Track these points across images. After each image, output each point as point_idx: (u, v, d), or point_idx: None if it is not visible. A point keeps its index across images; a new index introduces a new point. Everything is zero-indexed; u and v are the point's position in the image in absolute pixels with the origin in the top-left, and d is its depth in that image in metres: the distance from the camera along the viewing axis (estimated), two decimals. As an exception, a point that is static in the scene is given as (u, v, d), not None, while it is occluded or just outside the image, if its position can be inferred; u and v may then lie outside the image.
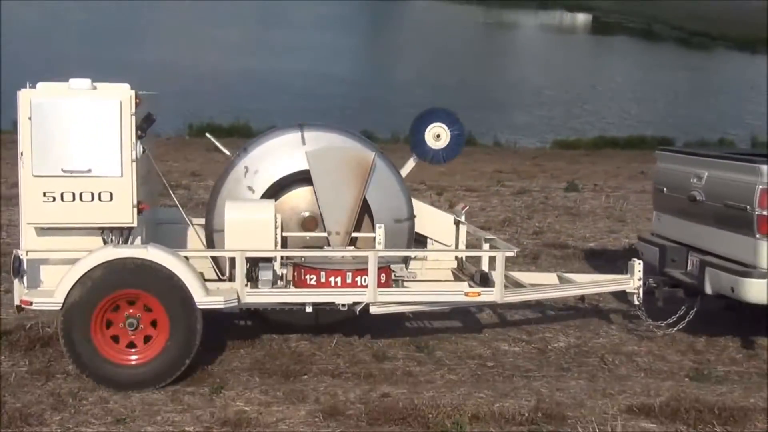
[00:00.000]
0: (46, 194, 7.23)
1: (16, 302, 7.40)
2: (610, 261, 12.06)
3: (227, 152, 8.80)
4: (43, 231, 7.41)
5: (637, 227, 14.65)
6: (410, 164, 9.21)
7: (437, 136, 9.08)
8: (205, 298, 7.29)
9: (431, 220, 9.13)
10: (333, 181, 8.32)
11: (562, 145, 29.08)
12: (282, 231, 8.18)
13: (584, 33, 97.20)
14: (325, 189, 8.31)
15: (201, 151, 22.51)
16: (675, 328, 9.07)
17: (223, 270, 8.27)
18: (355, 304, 7.87)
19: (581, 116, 38.86)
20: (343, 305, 7.88)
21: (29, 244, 7.41)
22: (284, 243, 8.29)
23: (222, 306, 7.38)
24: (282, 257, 7.98)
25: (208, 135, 9.40)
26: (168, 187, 8.54)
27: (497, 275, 8.00)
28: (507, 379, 7.91)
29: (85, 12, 71.51)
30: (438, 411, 6.91)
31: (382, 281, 7.91)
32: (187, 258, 7.58)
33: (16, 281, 7.38)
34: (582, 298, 9.63)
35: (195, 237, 8.57)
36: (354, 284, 7.82)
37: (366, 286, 7.76)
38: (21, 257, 7.34)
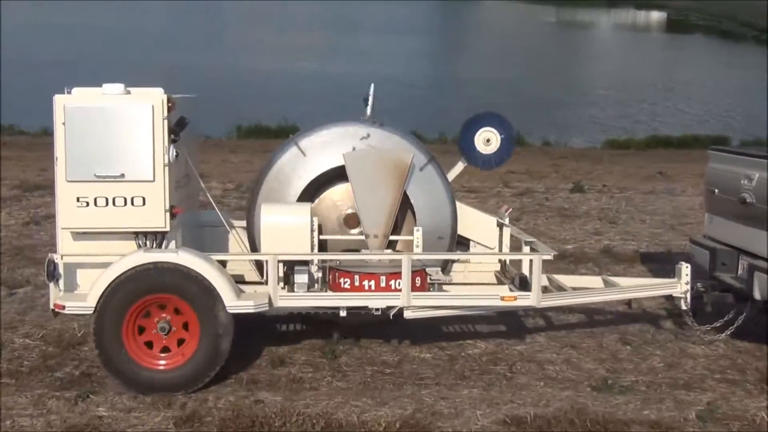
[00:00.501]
0: (80, 199, 7.29)
1: (51, 306, 7.47)
2: (580, 262, 12.01)
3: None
4: (78, 235, 7.47)
5: (626, 229, 14.48)
6: (458, 168, 9.13)
7: (487, 140, 8.99)
8: (236, 302, 7.28)
9: (474, 222, 9.01)
10: (370, 183, 8.25)
11: (614, 145, 28.46)
12: (319, 234, 8.15)
13: (659, 31, 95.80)
14: (363, 191, 8.25)
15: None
16: (724, 334, 8.80)
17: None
18: (389, 308, 7.80)
19: (635, 115, 38.01)
20: (377, 309, 7.82)
21: (65, 249, 7.47)
22: (322, 246, 8.25)
23: (252, 310, 7.35)
24: (317, 261, 7.94)
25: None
26: (205, 190, 8.55)
27: (534, 279, 7.87)
28: (397, 386, 7.71)
29: (140, 14, 72.76)
30: (289, 419, 6.80)
31: (417, 285, 7.81)
32: (220, 262, 7.57)
33: (51, 285, 7.46)
34: (629, 302, 9.36)
35: (239, 239, 8.58)
36: (388, 288, 7.75)
37: (400, 290, 7.69)
38: (56, 261, 7.42)
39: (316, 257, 7.92)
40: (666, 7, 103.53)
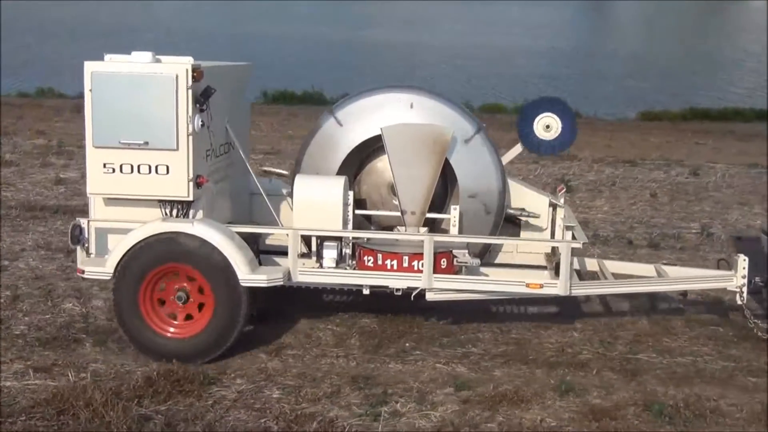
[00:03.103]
0: (106, 165, 7.37)
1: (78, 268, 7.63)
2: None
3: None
4: (109, 201, 7.58)
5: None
6: (515, 150, 8.88)
7: (547, 126, 8.71)
8: (249, 275, 7.26)
9: (525, 200, 8.73)
10: (409, 158, 8.05)
11: (648, 117, 27.29)
12: (364, 207, 8.14)
13: None
14: (401, 166, 8.05)
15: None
16: None
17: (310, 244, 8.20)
18: (410, 289, 7.68)
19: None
20: (398, 290, 7.71)
21: (96, 214, 7.62)
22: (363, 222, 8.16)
23: (265, 284, 7.33)
24: (346, 237, 7.86)
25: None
26: (246, 160, 8.43)
27: (563, 266, 7.60)
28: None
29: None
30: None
31: (443, 267, 7.66)
32: (238, 233, 7.55)
33: (78, 249, 7.59)
34: (684, 293, 9.01)
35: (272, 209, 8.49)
36: (410, 269, 7.62)
37: (421, 271, 7.55)
38: (81, 225, 7.55)
39: (337, 233, 7.80)
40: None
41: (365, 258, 7.75)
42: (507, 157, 8.73)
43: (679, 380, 7.50)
